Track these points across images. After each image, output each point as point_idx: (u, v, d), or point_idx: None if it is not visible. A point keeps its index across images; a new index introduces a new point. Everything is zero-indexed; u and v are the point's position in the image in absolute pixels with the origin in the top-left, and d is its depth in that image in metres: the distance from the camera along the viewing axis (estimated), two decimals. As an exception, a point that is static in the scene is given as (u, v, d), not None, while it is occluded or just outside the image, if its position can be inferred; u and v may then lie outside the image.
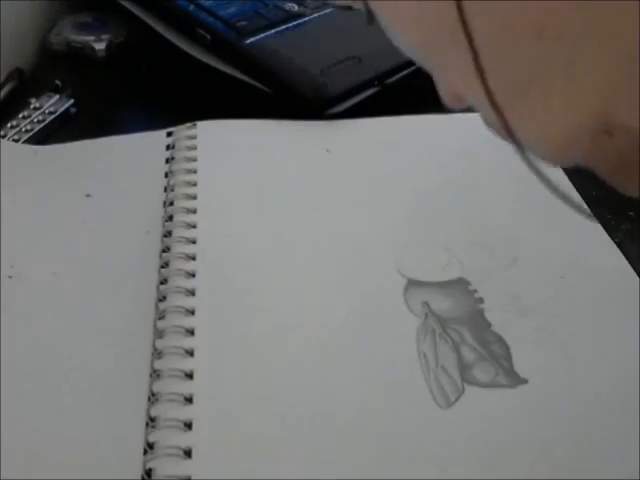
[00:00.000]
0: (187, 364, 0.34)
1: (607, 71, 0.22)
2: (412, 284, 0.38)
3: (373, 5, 0.25)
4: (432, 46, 0.25)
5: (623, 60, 0.21)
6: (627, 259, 0.39)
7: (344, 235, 0.42)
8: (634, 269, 0.38)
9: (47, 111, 0.54)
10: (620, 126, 0.23)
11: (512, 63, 0.23)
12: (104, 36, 0.64)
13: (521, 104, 0.24)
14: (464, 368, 0.34)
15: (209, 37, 0.56)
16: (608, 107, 0.23)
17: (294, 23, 0.59)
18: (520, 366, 0.34)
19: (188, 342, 0.35)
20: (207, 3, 0.58)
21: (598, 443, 0.31)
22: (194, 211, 0.43)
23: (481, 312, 0.37)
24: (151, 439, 0.31)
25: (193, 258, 0.40)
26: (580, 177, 0.42)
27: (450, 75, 0.26)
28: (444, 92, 0.26)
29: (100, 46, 0.63)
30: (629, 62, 0.21)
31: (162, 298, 0.38)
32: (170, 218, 0.43)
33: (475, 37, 0.22)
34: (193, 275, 0.39)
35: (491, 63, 0.22)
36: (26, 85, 0.59)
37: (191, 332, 0.36)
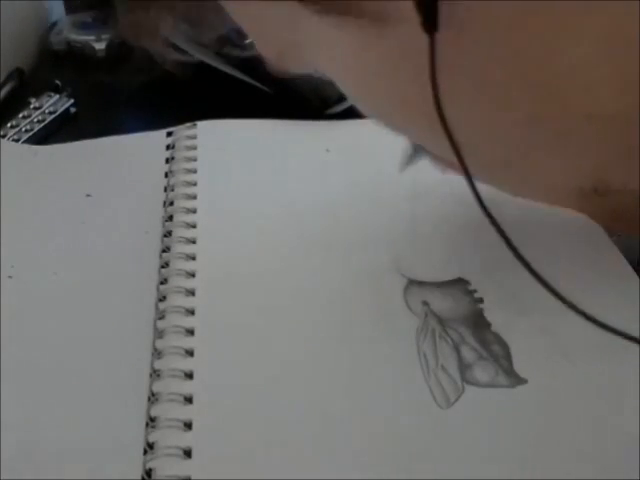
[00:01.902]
0: (187, 364, 0.34)
1: (598, 139, 0.22)
2: (412, 284, 0.38)
3: (338, 84, 0.25)
4: (405, 124, 0.25)
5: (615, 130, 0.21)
6: None
7: (344, 234, 0.42)
8: None
9: (47, 111, 0.54)
10: (615, 188, 0.23)
11: (498, 140, 0.23)
12: (104, 36, 0.64)
13: (507, 176, 0.24)
14: (464, 368, 0.34)
15: (209, 37, 0.56)
16: (601, 172, 0.23)
17: (294, 23, 0.59)
18: (520, 366, 0.34)
19: (188, 342, 0.35)
20: (207, 3, 0.58)
21: (598, 443, 0.31)
22: (194, 211, 0.43)
23: (481, 312, 0.37)
24: (151, 439, 0.31)
25: (193, 258, 0.40)
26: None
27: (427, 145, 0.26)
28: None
29: (100, 46, 0.63)
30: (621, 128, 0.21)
31: (162, 298, 0.38)
32: (170, 218, 0.43)
33: (456, 119, 0.22)
34: (193, 275, 0.39)
35: (475, 140, 0.23)
36: (26, 85, 0.59)
37: (191, 332, 0.36)
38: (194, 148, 0.48)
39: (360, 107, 0.26)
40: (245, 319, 0.37)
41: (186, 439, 0.31)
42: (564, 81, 0.20)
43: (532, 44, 0.20)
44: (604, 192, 0.23)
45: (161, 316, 0.37)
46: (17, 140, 0.51)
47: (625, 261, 0.39)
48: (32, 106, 0.54)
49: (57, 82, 0.57)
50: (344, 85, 0.25)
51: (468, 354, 0.35)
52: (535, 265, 0.39)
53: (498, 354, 0.35)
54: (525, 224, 0.41)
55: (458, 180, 0.45)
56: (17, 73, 0.59)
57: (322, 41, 0.23)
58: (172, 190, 0.45)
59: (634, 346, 0.35)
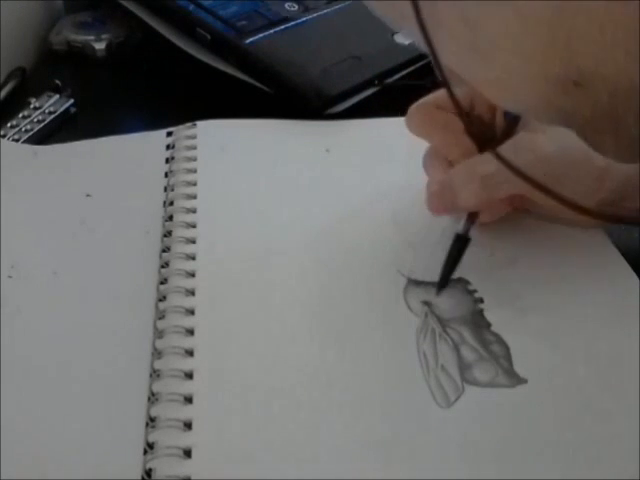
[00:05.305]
0: (187, 364, 0.34)
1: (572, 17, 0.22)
2: (412, 284, 0.38)
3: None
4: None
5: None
6: None
7: (344, 235, 0.42)
8: None
9: (47, 111, 0.54)
10: (588, 74, 0.23)
11: (477, 25, 0.23)
12: (104, 36, 0.64)
13: (485, 68, 0.24)
14: (464, 368, 0.34)
15: (209, 37, 0.56)
16: (575, 57, 0.23)
17: (294, 23, 0.59)
18: (520, 366, 0.34)
19: (188, 342, 0.35)
20: (207, 3, 0.58)
21: (598, 443, 0.31)
22: (194, 211, 0.43)
23: (481, 312, 0.37)
24: (151, 439, 0.31)
25: (193, 258, 0.40)
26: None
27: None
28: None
29: (100, 46, 0.64)
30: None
31: (162, 298, 0.38)
32: (170, 218, 0.43)
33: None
34: (193, 275, 0.39)
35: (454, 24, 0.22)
36: (26, 84, 0.59)
37: (191, 332, 0.36)
38: (194, 148, 0.48)
39: None
40: (245, 319, 0.37)
41: (186, 439, 0.31)
42: None
43: None
44: (581, 82, 0.23)
45: (161, 316, 0.37)
46: (17, 140, 0.51)
47: (624, 261, 0.39)
48: (32, 106, 0.54)
49: (57, 82, 0.57)
50: None
51: (468, 354, 0.35)
52: (535, 267, 0.39)
53: (498, 354, 0.35)
54: (526, 231, 0.41)
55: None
56: (19, 72, 0.59)
57: None
58: (172, 190, 0.45)
59: (633, 347, 0.35)
